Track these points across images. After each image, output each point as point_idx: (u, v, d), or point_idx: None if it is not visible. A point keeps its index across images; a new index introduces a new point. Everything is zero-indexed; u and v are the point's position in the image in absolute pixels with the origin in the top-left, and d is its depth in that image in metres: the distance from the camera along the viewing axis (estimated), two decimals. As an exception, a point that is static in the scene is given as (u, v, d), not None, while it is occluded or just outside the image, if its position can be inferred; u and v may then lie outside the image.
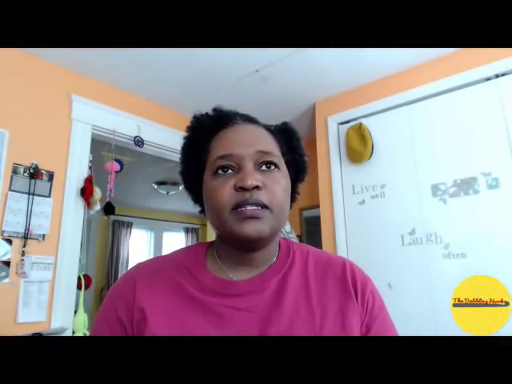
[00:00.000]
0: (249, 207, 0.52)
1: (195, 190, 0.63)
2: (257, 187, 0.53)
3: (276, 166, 0.57)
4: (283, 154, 0.61)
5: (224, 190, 0.54)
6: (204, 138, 0.61)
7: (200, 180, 0.60)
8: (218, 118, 0.61)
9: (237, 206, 0.53)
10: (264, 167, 0.56)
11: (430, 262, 1.80)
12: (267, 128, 0.63)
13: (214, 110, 0.63)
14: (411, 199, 1.92)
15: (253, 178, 0.53)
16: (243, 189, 0.53)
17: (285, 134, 0.64)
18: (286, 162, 0.61)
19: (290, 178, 0.62)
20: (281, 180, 0.57)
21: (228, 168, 0.55)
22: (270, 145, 0.59)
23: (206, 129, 0.61)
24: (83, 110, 2.01)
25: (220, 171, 0.55)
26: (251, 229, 0.53)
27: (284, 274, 0.60)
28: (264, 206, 0.53)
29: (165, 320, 0.55)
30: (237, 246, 0.58)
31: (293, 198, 0.65)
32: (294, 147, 0.64)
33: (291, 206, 0.65)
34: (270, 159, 0.56)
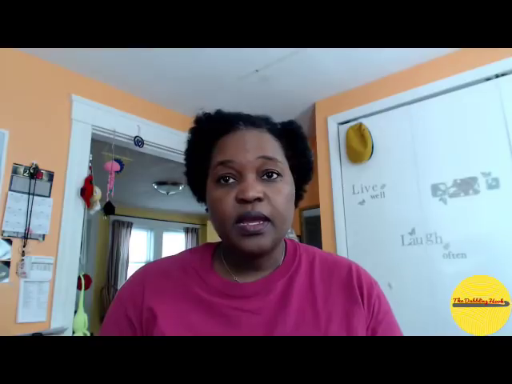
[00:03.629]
0: (251, 222, 0.52)
1: (199, 191, 0.63)
2: (258, 199, 0.52)
3: (279, 174, 0.55)
4: (288, 158, 0.59)
5: (226, 202, 0.53)
6: (206, 143, 0.60)
7: (204, 183, 0.60)
8: (219, 124, 0.59)
9: (239, 220, 0.52)
10: (266, 176, 0.55)
11: (430, 262, 1.80)
12: (272, 131, 0.60)
13: (217, 113, 0.61)
14: (411, 199, 1.92)
15: (254, 190, 0.52)
16: (244, 201, 0.52)
17: (290, 136, 0.61)
18: (291, 166, 0.60)
19: (295, 181, 0.61)
20: (284, 189, 0.55)
21: (229, 177, 0.54)
22: (274, 150, 0.57)
23: (208, 134, 0.60)
24: (83, 110, 2.01)
25: (222, 180, 0.55)
26: (253, 245, 0.53)
27: (290, 276, 0.60)
28: (265, 219, 0.53)
29: (173, 320, 0.55)
30: (241, 257, 0.58)
31: (299, 197, 0.65)
32: (300, 150, 0.62)
33: (297, 205, 0.65)
34: (272, 167, 0.55)
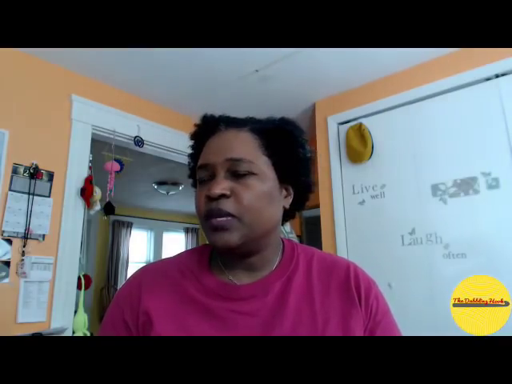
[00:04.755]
0: (214, 218, 0.54)
1: None
2: (224, 195, 0.54)
3: (250, 172, 0.56)
4: (269, 156, 0.59)
5: (200, 200, 0.57)
6: (197, 147, 0.64)
7: None
8: (205, 127, 0.63)
9: (207, 216, 0.55)
10: (236, 174, 0.56)
11: (430, 262, 1.80)
12: (254, 130, 0.60)
13: (203, 117, 0.65)
14: (411, 199, 1.91)
15: (219, 187, 0.54)
16: (211, 198, 0.54)
17: (271, 134, 0.60)
18: (274, 164, 0.59)
19: (282, 179, 0.61)
20: (256, 186, 0.56)
21: (205, 177, 0.58)
22: (245, 150, 0.57)
23: (199, 138, 0.64)
24: (83, 109, 2.01)
25: (200, 180, 0.58)
26: (219, 239, 0.54)
27: (287, 277, 0.60)
28: (229, 215, 0.53)
29: (169, 323, 0.55)
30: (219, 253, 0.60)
31: (304, 198, 0.67)
32: (282, 147, 0.60)
33: (301, 208, 0.66)
34: (240, 167, 0.56)
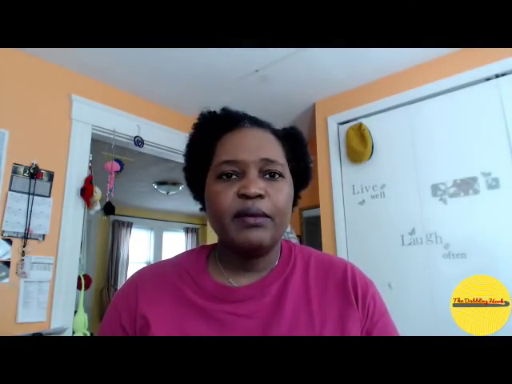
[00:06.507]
0: (251, 217, 0.52)
1: (197, 188, 0.62)
2: (259, 196, 0.52)
3: (280, 174, 0.56)
4: (288, 161, 0.60)
5: (226, 196, 0.53)
6: (210, 138, 0.59)
7: (203, 179, 0.59)
8: (225, 120, 0.60)
9: (238, 214, 0.52)
10: (268, 175, 0.55)
11: (430, 262, 1.80)
12: (274, 133, 0.61)
13: (223, 110, 0.61)
14: (411, 199, 1.92)
15: (256, 186, 0.52)
16: (246, 196, 0.52)
17: (291, 141, 0.62)
18: (291, 169, 0.60)
19: (294, 184, 0.61)
20: (284, 188, 0.56)
21: (232, 174, 0.54)
22: (276, 152, 0.57)
23: (213, 130, 0.59)
24: (83, 109, 2.01)
25: (224, 177, 0.55)
26: (253, 236, 0.52)
27: (285, 279, 0.59)
28: (265, 215, 0.53)
29: (167, 326, 0.54)
30: (238, 253, 0.57)
31: (294, 203, 0.65)
32: (300, 155, 0.63)
33: (292, 210, 0.65)
34: (274, 168, 0.55)
